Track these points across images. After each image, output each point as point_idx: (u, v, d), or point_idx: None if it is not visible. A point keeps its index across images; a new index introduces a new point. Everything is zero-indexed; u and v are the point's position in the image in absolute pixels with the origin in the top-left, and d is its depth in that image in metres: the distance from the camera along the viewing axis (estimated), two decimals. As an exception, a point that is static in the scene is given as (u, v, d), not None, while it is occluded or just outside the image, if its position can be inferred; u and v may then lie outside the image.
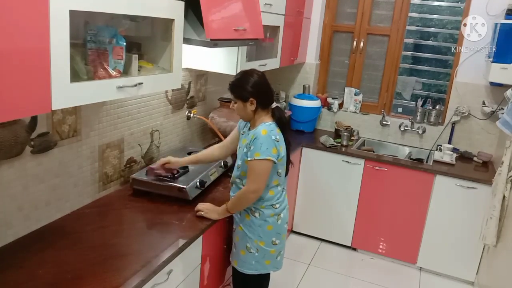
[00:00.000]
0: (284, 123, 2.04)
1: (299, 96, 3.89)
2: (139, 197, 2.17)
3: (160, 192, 2.17)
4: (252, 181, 1.94)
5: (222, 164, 2.55)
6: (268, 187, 2.02)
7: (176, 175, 2.22)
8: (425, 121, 3.70)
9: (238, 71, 2.60)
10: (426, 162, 3.42)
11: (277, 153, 1.94)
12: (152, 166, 2.20)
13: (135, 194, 2.19)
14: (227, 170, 2.58)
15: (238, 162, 2.05)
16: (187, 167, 2.35)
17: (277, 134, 1.97)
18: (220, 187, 2.41)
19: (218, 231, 2.17)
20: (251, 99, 1.94)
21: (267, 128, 1.94)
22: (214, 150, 2.28)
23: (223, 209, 2.04)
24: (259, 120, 2.00)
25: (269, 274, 2.24)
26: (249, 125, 2.08)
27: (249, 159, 1.93)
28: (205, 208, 2.04)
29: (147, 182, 2.19)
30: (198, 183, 2.22)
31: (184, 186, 2.12)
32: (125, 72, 1.72)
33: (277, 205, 2.06)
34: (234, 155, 2.73)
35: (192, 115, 2.82)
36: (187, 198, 2.12)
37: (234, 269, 2.16)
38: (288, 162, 2.10)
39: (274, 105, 2.02)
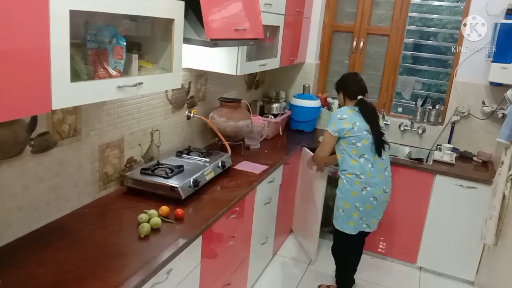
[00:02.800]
0: (366, 111, 2.58)
1: (299, 96, 3.89)
2: (139, 197, 2.17)
3: (153, 191, 2.16)
4: (318, 149, 2.81)
5: (220, 164, 2.54)
6: (351, 157, 2.58)
7: (169, 174, 2.22)
8: (425, 120, 3.71)
9: (238, 71, 2.61)
10: (426, 161, 3.43)
11: (337, 127, 2.56)
12: None
13: (134, 194, 2.19)
14: (225, 170, 2.58)
15: None
16: (182, 166, 2.34)
17: (346, 114, 2.57)
18: (217, 186, 2.41)
19: (218, 230, 2.18)
20: (339, 91, 2.73)
21: (339, 109, 2.65)
22: None
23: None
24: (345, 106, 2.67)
25: (357, 237, 2.71)
26: None
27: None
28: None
29: (140, 181, 2.19)
30: (191, 183, 2.20)
31: (176, 185, 2.12)
32: (125, 72, 1.72)
33: (362, 176, 2.55)
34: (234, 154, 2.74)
35: (192, 115, 2.82)
36: (179, 198, 2.11)
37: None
38: (379, 142, 2.56)
39: (359, 97, 2.61)
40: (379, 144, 2.56)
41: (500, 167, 2.71)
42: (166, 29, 1.88)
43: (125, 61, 1.69)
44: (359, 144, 2.55)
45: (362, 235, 2.75)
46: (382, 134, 2.59)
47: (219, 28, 2.08)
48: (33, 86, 1.24)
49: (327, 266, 3.33)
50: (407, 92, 3.85)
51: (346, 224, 2.64)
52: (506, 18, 3.00)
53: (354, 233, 2.66)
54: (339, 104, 2.81)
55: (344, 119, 2.55)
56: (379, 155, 2.56)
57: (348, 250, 2.83)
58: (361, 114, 2.56)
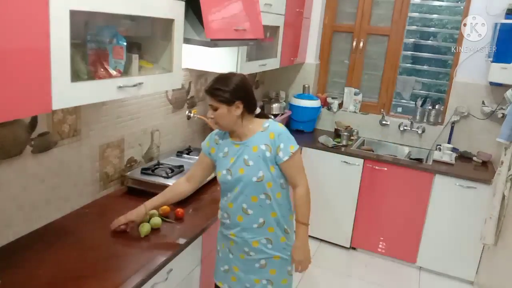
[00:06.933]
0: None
1: (299, 96, 3.90)
2: (140, 196, 2.16)
3: (153, 191, 2.16)
4: (302, 176, 1.75)
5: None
6: (289, 190, 1.83)
7: (170, 174, 2.21)
8: (425, 120, 3.71)
9: (238, 71, 2.61)
10: (426, 161, 3.43)
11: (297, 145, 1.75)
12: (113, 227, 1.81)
13: (135, 193, 2.19)
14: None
15: (258, 174, 1.69)
16: (182, 166, 2.34)
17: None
18: (218, 186, 2.39)
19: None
20: (236, 102, 1.65)
21: (276, 123, 1.74)
22: (181, 186, 1.91)
23: (302, 232, 1.83)
24: (251, 125, 1.72)
25: None
26: (228, 135, 1.77)
27: (286, 157, 1.68)
28: (301, 266, 1.88)
29: (141, 180, 2.19)
30: None
31: None
32: (126, 72, 1.72)
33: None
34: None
35: (192, 114, 2.82)
36: None
37: None
38: None
39: (258, 110, 1.78)
40: None
41: (500, 167, 2.71)
42: (166, 29, 1.89)
43: (125, 61, 1.69)
44: None
45: None
46: None
47: (219, 28, 2.08)
48: (33, 86, 1.24)
49: (327, 265, 3.33)
50: (407, 92, 3.85)
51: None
52: (506, 18, 3.01)
53: None
54: (227, 124, 1.72)
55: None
56: None
57: None
58: None
